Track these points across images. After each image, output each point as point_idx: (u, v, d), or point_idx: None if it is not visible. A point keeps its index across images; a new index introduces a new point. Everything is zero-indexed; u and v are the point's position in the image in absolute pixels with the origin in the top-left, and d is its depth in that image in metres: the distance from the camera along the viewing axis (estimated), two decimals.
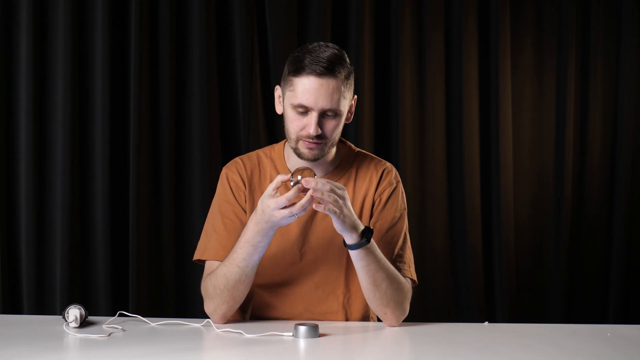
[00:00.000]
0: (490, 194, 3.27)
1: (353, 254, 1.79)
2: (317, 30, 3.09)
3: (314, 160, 1.88)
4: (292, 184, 1.75)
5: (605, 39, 3.34)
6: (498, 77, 3.24)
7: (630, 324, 1.97)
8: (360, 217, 1.93)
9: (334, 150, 1.98)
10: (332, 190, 1.72)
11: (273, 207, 1.72)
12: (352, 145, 2.04)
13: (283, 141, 2.01)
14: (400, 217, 1.97)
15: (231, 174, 1.98)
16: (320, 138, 1.84)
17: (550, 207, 3.32)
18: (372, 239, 1.80)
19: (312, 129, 1.82)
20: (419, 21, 3.22)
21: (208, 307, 1.87)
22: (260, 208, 1.76)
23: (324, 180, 1.73)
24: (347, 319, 1.95)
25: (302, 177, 1.73)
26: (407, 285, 1.89)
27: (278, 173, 1.95)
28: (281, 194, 1.76)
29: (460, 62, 3.23)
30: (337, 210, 1.73)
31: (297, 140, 1.86)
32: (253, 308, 1.97)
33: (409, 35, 3.19)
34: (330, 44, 1.86)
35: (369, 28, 3.14)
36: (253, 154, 2.03)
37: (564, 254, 3.29)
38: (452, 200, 3.25)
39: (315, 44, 1.86)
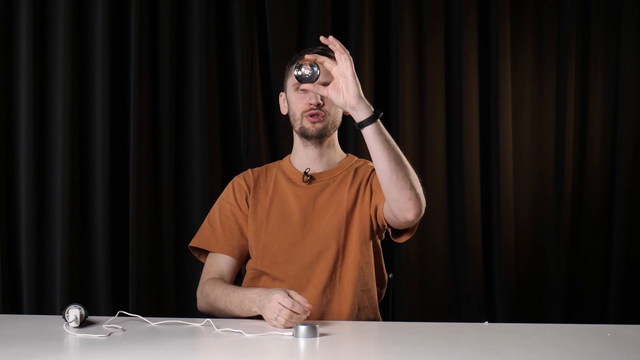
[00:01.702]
0: (490, 193, 3.27)
1: (370, 130, 1.82)
2: (317, 30, 3.09)
3: (318, 135, 2.04)
4: (295, 73, 1.88)
5: (605, 39, 3.34)
6: (498, 77, 3.24)
7: (630, 324, 1.97)
8: (356, 199, 2.05)
9: (338, 149, 2.13)
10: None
11: (283, 295, 1.77)
12: (355, 157, 2.18)
13: (289, 155, 2.17)
14: None
15: (238, 179, 2.16)
16: (321, 109, 2.01)
17: (550, 207, 3.32)
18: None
19: (313, 99, 1.99)
20: (419, 21, 3.22)
21: (197, 294, 2.06)
22: (272, 290, 1.82)
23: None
24: (340, 283, 2.02)
25: (304, 64, 1.87)
26: None
27: (284, 173, 2.12)
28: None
29: (460, 62, 3.23)
30: (351, 62, 1.79)
31: (302, 118, 2.03)
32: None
33: (409, 35, 3.19)
34: None
35: (369, 28, 3.14)
36: (263, 166, 2.21)
37: (564, 254, 3.29)
38: (452, 200, 3.26)
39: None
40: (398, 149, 1.87)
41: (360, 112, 1.81)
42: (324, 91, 1.86)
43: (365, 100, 1.82)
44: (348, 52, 1.81)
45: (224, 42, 3.05)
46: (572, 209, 3.31)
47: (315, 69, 1.87)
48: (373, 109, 1.82)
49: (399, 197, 1.86)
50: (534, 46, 3.33)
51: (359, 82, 1.82)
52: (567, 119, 3.30)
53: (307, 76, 1.88)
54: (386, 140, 1.84)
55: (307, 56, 1.89)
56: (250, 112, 3.04)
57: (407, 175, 1.86)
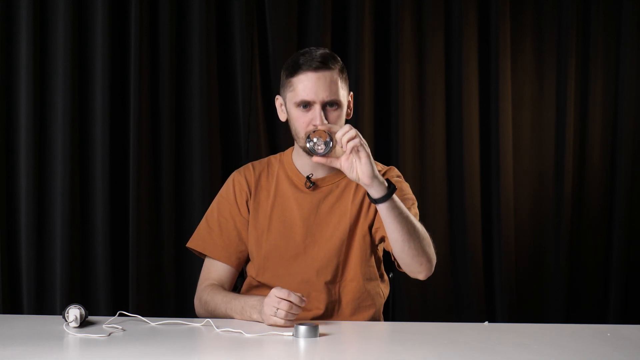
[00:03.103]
0: (490, 193, 3.27)
1: (385, 206, 1.78)
2: (317, 30, 3.09)
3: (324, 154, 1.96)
4: (307, 145, 1.80)
5: (605, 39, 3.34)
6: (498, 77, 3.24)
7: (630, 324, 1.97)
8: (359, 212, 2.01)
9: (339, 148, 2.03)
10: (358, 135, 1.75)
11: (277, 292, 1.77)
12: None
13: (292, 147, 2.10)
14: (412, 203, 1.99)
15: (238, 176, 2.09)
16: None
17: (550, 207, 3.32)
18: None
19: (317, 120, 1.90)
20: (419, 21, 3.22)
21: (195, 301, 2.06)
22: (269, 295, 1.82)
23: (349, 126, 1.75)
24: (339, 299, 2.01)
25: (317, 137, 1.79)
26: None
27: (286, 173, 2.06)
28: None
29: (460, 62, 3.23)
30: (368, 151, 1.75)
31: (306, 139, 1.92)
32: None
33: (409, 35, 3.19)
34: (320, 47, 1.99)
35: (369, 28, 3.14)
36: (265, 159, 2.14)
37: (564, 253, 3.29)
38: (452, 200, 3.25)
39: (306, 49, 1.98)
40: (412, 217, 1.84)
41: (374, 190, 1.77)
42: (336, 163, 1.80)
43: (380, 177, 1.77)
44: (359, 136, 1.75)
45: (224, 42, 3.05)
46: (572, 209, 3.31)
47: (328, 140, 1.80)
48: (387, 184, 1.78)
49: (411, 262, 1.88)
50: (534, 46, 3.33)
51: (374, 162, 1.76)
52: (567, 119, 3.30)
53: (319, 151, 1.81)
54: (400, 214, 1.80)
55: (320, 127, 1.82)
56: (250, 112, 3.04)
57: (419, 243, 1.84)
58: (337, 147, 1.83)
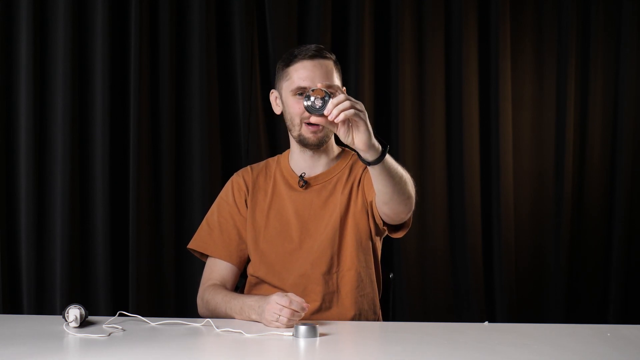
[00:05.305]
0: (490, 193, 3.27)
1: (378, 167, 1.75)
2: (317, 30, 3.09)
3: (319, 144, 2.00)
4: (305, 103, 1.73)
5: (605, 39, 3.34)
6: (498, 77, 3.24)
7: (630, 324, 1.97)
8: (348, 201, 2.03)
9: (335, 147, 2.10)
10: (353, 106, 1.68)
11: (280, 295, 1.78)
12: (351, 151, 2.12)
13: (289, 149, 2.13)
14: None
15: (237, 177, 2.13)
16: None
17: (550, 207, 3.32)
18: None
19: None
20: (419, 21, 3.22)
21: (198, 300, 2.07)
22: (269, 295, 1.83)
23: (345, 96, 1.69)
24: (338, 290, 2.01)
25: (314, 96, 1.72)
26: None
27: (282, 173, 2.09)
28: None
29: (460, 62, 3.23)
30: (365, 120, 1.69)
31: (301, 125, 1.98)
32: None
33: (409, 35, 3.19)
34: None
35: (369, 28, 3.14)
36: (263, 161, 2.18)
37: (564, 253, 3.29)
38: (452, 200, 3.25)
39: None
40: (399, 169, 1.82)
41: (369, 155, 1.73)
42: (333, 127, 1.73)
43: (376, 143, 1.72)
44: (356, 105, 1.68)
45: (224, 42, 3.05)
46: (572, 209, 3.31)
47: (327, 98, 1.72)
48: (381, 147, 1.73)
49: (397, 206, 1.87)
50: (534, 46, 3.33)
51: (371, 130, 1.70)
52: (567, 119, 3.30)
53: (316, 107, 1.73)
54: (390, 175, 1.78)
55: (318, 86, 1.74)
56: (250, 112, 3.04)
57: (405, 191, 1.84)
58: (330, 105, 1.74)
